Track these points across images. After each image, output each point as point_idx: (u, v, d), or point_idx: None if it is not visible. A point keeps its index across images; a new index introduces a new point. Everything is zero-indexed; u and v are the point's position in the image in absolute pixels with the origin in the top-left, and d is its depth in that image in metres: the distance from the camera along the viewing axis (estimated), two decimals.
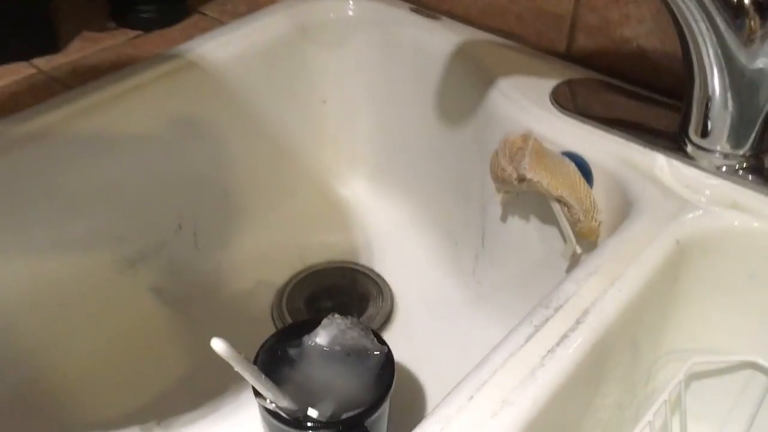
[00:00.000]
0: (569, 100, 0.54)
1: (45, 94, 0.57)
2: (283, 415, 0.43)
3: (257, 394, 0.42)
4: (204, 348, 0.38)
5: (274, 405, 0.42)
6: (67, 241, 0.57)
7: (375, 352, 0.46)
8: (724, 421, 0.50)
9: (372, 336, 0.47)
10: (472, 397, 0.34)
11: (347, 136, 0.73)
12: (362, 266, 0.68)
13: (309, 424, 0.43)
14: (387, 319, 0.63)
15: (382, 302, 0.65)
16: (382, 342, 0.47)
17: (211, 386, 0.56)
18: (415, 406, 0.56)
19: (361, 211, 0.73)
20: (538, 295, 0.51)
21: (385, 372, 0.46)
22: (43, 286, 0.56)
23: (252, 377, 0.40)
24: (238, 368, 0.39)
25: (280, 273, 0.67)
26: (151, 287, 0.63)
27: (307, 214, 0.73)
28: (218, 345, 0.37)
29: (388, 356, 0.46)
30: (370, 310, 0.64)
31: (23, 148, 0.53)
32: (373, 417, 0.44)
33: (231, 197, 0.68)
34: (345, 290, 0.66)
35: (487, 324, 0.61)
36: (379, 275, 0.67)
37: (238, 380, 0.55)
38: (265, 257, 0.69)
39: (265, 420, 0.45)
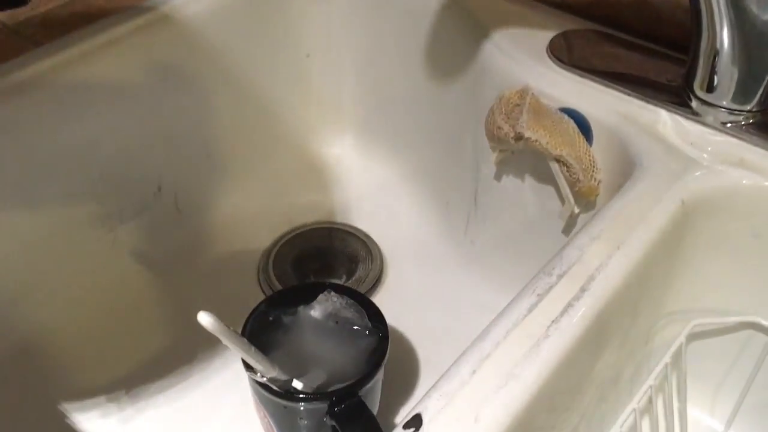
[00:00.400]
0: (567, 53, 0.52)
1: (12, 51, 0.54)
2: (275, 387, 0.41)
3: (248, 367, 0.40)
4: (189, 314, 0.36)
5: (265, 378, 0.40)
6: (40, 205, 0.55)
7: (369, 336, 0.45)
8: (722, 381, 0.50)
9: (367, 320, 0.45)
10: (474, 371, 0.32)
11: (333, 91, 0.71)
12: (351, 227, 0.67)
13: (301, 395, 0.41)
14: (377, 281, 0.62)
15: (371, 263, 0.63)
16: (378, 320, 0.45)
17: (195, 353, 0.55)
18: (408, 371, 0.55)
19: (348, 170, 0.72)
20: (532, 256, 0.50)
21: (379, 345, 0.44)
22: (16, 250, 0.54)
23: (241, 350, 0.38)
24: (226, 342, 0.37)
25: (266, 235, 0.66)
26: (132, 251, 0.61)
27: (292, 174, 0.70)
28: (205, 319, 0.35)
29: (383, 338, 0.45)
30: (360, 272, 0.62)
31: None
32: (366, 387, 0.43)
33: (213, 157, 0.65)
34: (333, 252, 0.65)
35: (480, 285, 0.60)
36: (368, 236, 0.66)
37: (216, 347, 0.55)
38: (250, 219, 0.67)
39: (255, 392, 0.44)
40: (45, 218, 0.55)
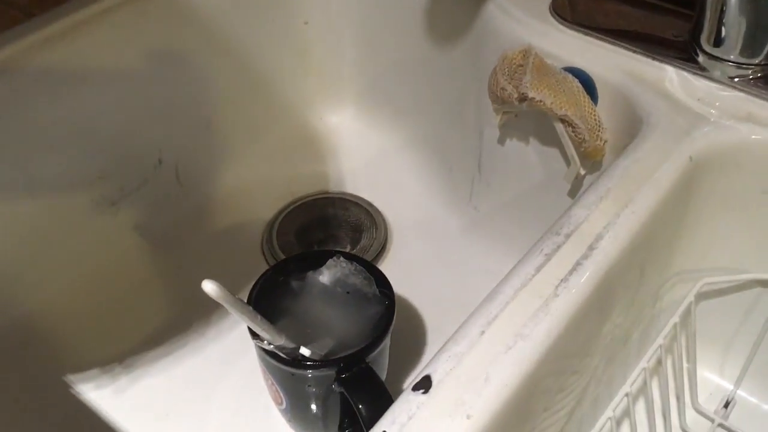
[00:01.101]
0: (570, 11, 0.51)
1: (4, 22, 0.54)
2: (282, 355, 0.41)
3: (254, 335, 0.40)
4: (192, 287, 0.36)
5: (272, 346, 0.40)
6: (40, 182, 0.54)
7: (376, 303, 0.44)
8: (731, 340, 0.50)
9: (375, 287, 0.45)
10: (483, 332, 0.32)
11: (332, 58, 0.70)
12: (354, 196, 0.66)
13: (309, 363, 0.41)
14: (381, 250, 0.61)
15: (375, 232, 0.63)
16: (385, 287, 0.45)
17: (200, 326, 0.55)
18: (415, 337, 0.55)
19: (350, 139, 0.71)
20: (538, 220, 0.50)
21: (386, 312, 0.44)
22: (19, 229, 0.54)
23: (247, 318, 0.38)
24: (231, 310, 0.37)
25: (269, 206, 0.65)
26: (134, 226, 0.61)
27: (293, 144, 0.70)
28: (209, 287, 0.35)
29: (390, 304, 0.44)
30: (364, 241, 0.62)
31: None
32: (374, 354, 0.42)
33: (213, 128, 0.65)
34: (337, 221, 0.64)
35: (486, 251, 0.60)
36: (371, 204, 0.65)
37: (223, 317, 0.55)
38: (252, 190, 0.66)
39: (263, 360, 0.43)
40: (46, 194, 0.55)
